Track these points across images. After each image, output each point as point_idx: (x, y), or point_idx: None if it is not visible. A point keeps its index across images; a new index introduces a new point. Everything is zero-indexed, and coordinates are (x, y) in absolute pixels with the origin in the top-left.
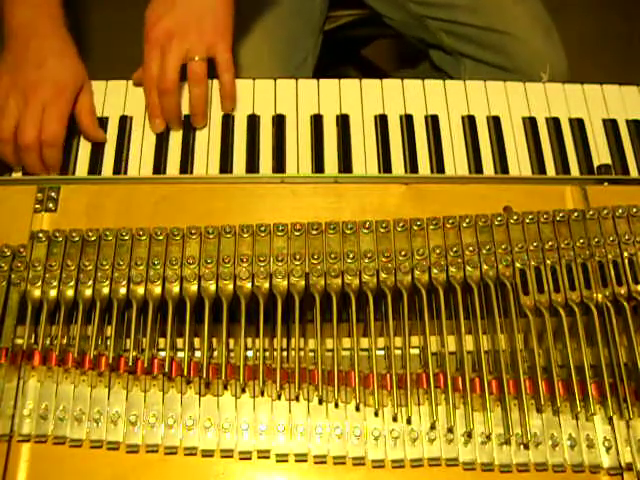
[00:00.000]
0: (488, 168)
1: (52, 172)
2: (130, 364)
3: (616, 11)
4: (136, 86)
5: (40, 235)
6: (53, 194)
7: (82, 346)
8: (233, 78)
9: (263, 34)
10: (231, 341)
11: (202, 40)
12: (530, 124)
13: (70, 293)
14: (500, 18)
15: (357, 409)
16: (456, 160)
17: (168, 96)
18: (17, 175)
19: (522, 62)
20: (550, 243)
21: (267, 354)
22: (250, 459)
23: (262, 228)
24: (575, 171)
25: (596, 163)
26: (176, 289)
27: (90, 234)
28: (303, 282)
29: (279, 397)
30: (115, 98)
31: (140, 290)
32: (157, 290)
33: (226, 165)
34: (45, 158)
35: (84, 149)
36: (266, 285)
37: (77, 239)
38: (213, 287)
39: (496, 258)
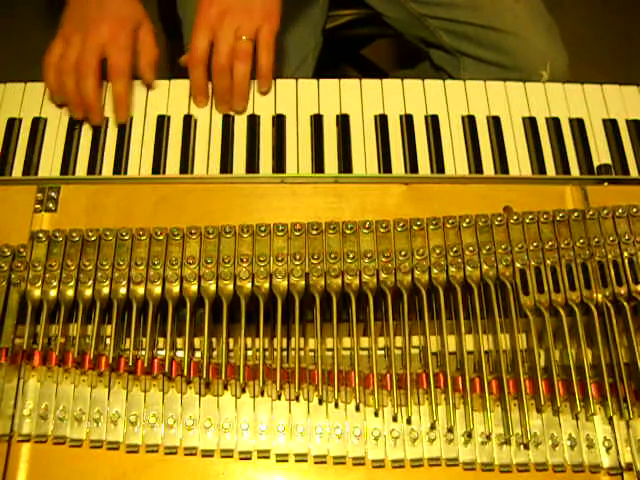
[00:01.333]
0: (488, 168)
1: (119, 111)
2: (130, 364)
3: (616, 11)
4: (181, 65)
5: (40, 235)
6: (53, 194)
7: (82, 346)
8: (271, 60)
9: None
10: (231, 341)
11: (251, 21)
12: (530, 124)
13: (70, 293)
14: (500, 16)
15: (357, 409)
16: (456, 160)
17: (221, 75)
18: (17, 175)
19: (522, 60)
20: (550, 243)
21: (267, 354)
22: (250, 459)
23: (262, 228)
24: (575, 171)
25: (596, 163)
26: (176, 289)
27: (90, 234)
28: (303, 282)
29: (279, 397)
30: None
31: (140, 290)
32: (157, 290)
33: (226, 165)
34: (114, 93)
35: (84, 149)
36: (266, 285)
37: (77, 239)
38: (213, 287)
39: (496, 258)
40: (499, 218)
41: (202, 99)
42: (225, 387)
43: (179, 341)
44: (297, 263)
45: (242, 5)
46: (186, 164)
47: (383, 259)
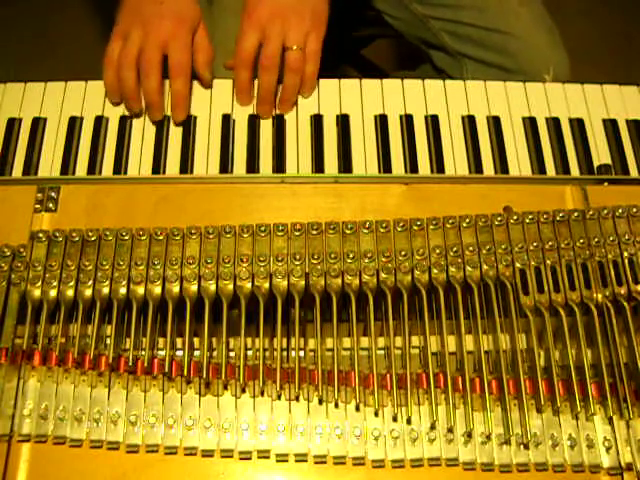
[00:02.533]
0: (488, 168)
1: (178, 110)
2: (130, 364)
3: (616, 11)
4: (226, 68)
5: (40, 235)
6: (53, 194)
7: (82, 346)
8: (317, 69)
9: None
10: (231, 341)
11: (301, 27)
12: (530, 124)
13: (70, 293)
14: (505, 19)
15: (357, 409)
16: (456, 160)
17: (268, 72)
18: (17, 175)
19: (525, 63)
20: (550, 243)
21: (267, 354)
22: (250, 459)
23: (262, 228)
24: (575, 171)
25: (596, 163)
26: (176, 289)
27: (90, 234)
28: (303, 282)
29: (279, 397)
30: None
31: (140, 290)
32: (157, 290)
33: (226, 165)
34: (173, 92)
35: (84, 149)
36: (266, 285)
37: (77, 239)
38: (213, 287)
39: (496, 258)
40: (499, 218)
41: (246, 98)
42: (225, 387)
43: (179, 341)
44: (297, 263)
45: (293, 9)
46: (186, 164)
47: (383, 259)
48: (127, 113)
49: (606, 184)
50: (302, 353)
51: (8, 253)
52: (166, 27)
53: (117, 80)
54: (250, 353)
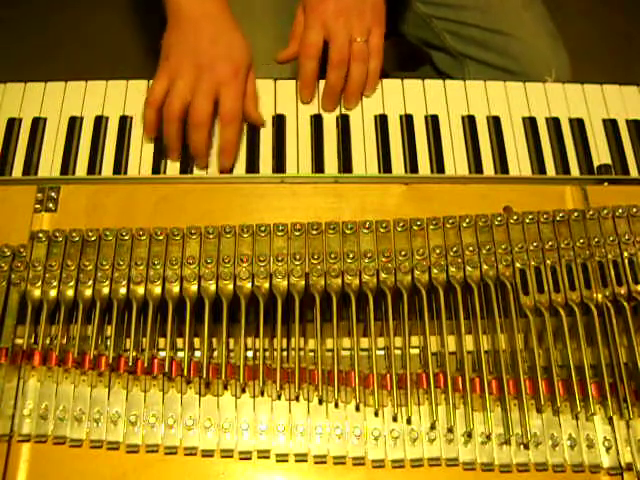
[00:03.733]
0: (488, 168)
1: (226, 158)
2: (130, 364)
3: (616, 11)
4: (279, 62)
5: (40, 235)
6: (53, 194)
7: (82, 346)
8: (380, 64)
9: (275, 35)
10: (231, 341)
11: (363, 23)
12: (530, 124)
13: (70, 293)
14: (508, 20)
15: (357, 409)
16: (456, 160)
17: (339, 68)
18: (17, 175)
19: (528, 65)
20: (550, 243)
21: (267, 354)
22: (250, 459)
23: (262, 228)
24: (575, 171)
25: (596, 163)
26: (176, 289)
27: (90, 234)
28: (303, 282)
29: (279, 397)
30: (115, 98)
31: (140, 290)
32: (157, 290)
33: None
34: (222, 140)
35: (84, 149)
36: (266, 285)
37: (77, 239)
38: (213, 287)
39: (496, 258)
40: (499, 218)
41: (309, 93)
42: (225, 387)
43: (179, 341)
44: (297, 263)
45: (355, 6)
46: (186, 164)
47: (383, 259)
48: (128, 114)
49: (606, 184)
50: (302, 353)
51: (8, 253)
52: (220, 73)
53: (157, 121)
54: (250, 353)
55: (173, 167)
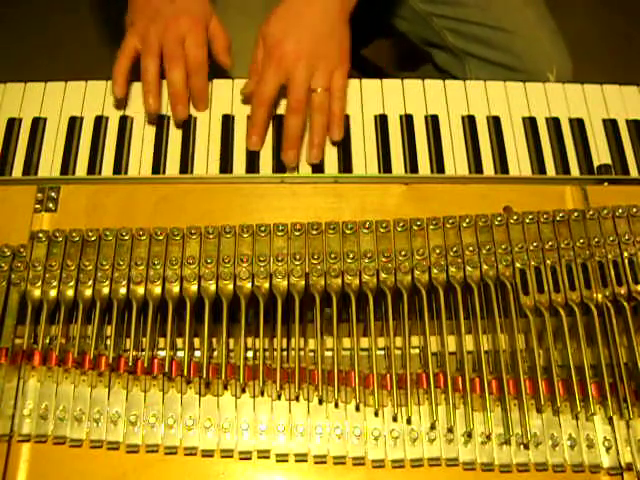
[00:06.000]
0: (488, 168)
1: (200, 104)
2: (130, 364)
3: (616, 11)
4: (243, 94)
5: (40, 235)
6: (53, 194)
7: (82, 346)
8: (344, 107)
9: None
10: (231, 341)
11: (326, 67)
12: (530, 124)
13: (70, 293)
14: (510, 18)
15: (357, 409)
16: (456, 160)
17: (297, 116)
18: (17, 175)
19: (530, 62)
20: (550, 243)
21: (267, 354)
22: (250, 459)
23: (262, 228)
24: (575, 171)
25: (596, 163)
26: (176, 289)
27: (90, 234)
28: (303, 282)
29: (279, 397)
30: (115, 98)
31: (140, 290)
32: (157, 290)
33: (226, 165)
34: (192, 88)
35: (84, 149)
36: (266, 285)
37: (77, 239)
38: (213, 287)
39: (496, 258)
40: (499, 218)
41: (258, 140)
42: (225, 387)
43: (179, 341)
44: (297, 263)
45: (318, 49)
46: (186, 164)
47: (383, 259)
48: (128, 114)
49: (606, 184)
50: (302, 353)
51: (8, 253)
52: (183, 24)
53: (128, 70)
54: (250, 353)
55: (173, 167)
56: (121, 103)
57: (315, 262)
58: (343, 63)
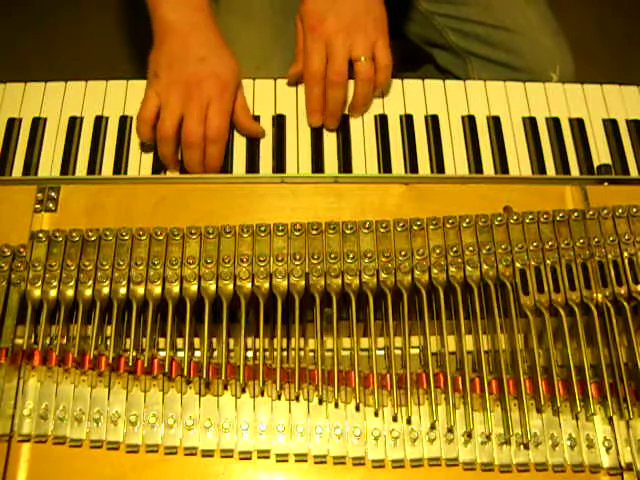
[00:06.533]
0: (488, 168)
1: (212, 168)
2: (130, 364)
3: (616, 11)
4: (290, 85)
5: (40, 235)
6: (53, 194)
7: (82, 346)
8: (388, 77)
9: (274, 34)
10: (231, 341)
11: (366, 38)
12: (530, 124)
13: (70, 293)
14: (512, 17)
15: (357, 409)
16: (456, 160)
17: (338, 88)
18: (17, 175)
19: (532, 62)
20: (550, 243)
21: (267, 354)
22: (250, 459)
23: (262, 228)
24: (575, 171)
25: (596, 163)
26: (176, 289)
27: (90, 234)
28: (303, 282)
29: (279, 397)
30: (115, 98)
31: (140, 290)
32: (157, 290)
33: (226, 165)
34: (208, 156)
35: (84, 149)
36: (266, 285)
37: (77, 239)
38: (213, 287)
39: (496, 258)
40: (499, 218)
41: (319, 117)
42: (225, 387)
43: (179, 341)
44: (297, 263)
45: (356, 21)
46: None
47: (383, 259)
48: (128, 114)
49: (606, 184)
50: (302, 353)
51: (8, 253)
52: (208, 91)
53: (153, 136)
54: (250, 353)
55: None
56: (121, 103)
57: (315, 262)
58: (382, 35)
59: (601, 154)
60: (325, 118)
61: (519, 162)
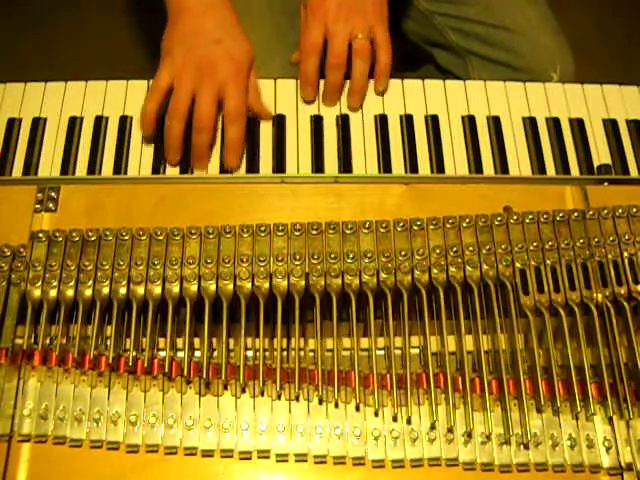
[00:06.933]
0: (488, 168)
1: (232, 156)
2: (130, 364)
3: (616, 11)
4: (293, 62)
5: (40, 235)
6: (53, 194)
7: (82, 346)
8: (390, 57)
9: (274, 34)
10: (231, 341)
11: (365, 21)
12: (530, 124)
13: (70, 293)
14: (512, 16)
15: (357, 409)
16: (456, 160)
17: (337, 70)
18: (17, 175)
19: (533, 61)
20: (550, 243)
21: (267, 354)
22: (250, 459)
23: (262, 228)
24: (575, 171)
25: (596, 163)
26: (176, 289)
27: (90, 234)
28: (303, 282)
29: (279, 397)
30: (115, 98)
31: (140, 290)
32: (157, 290)
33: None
34: (228, 138)
35: (84, 149)
36: (266, 285)
37: (77, 239)
38: (213, 287)
39: (496, 258)
40: (499, 218)
41: (311, 91)
42: (225, 387)
43: (179, 341)
44: (297, 263)
45: (357, 5)
46: (186, 164)
47: (383, 259)
48: (128, 114)
49: (606, 184)
50: (302, 353)
51: (8, 253)
52: (223, 72)
53: (157, 117)
54: (250, 353)
55: (173, 167)
56: (121, 103)
57: (315, 262)
58: (381, 19)
59: (601, 154)
60: (323, 99)
61: (519, 162)
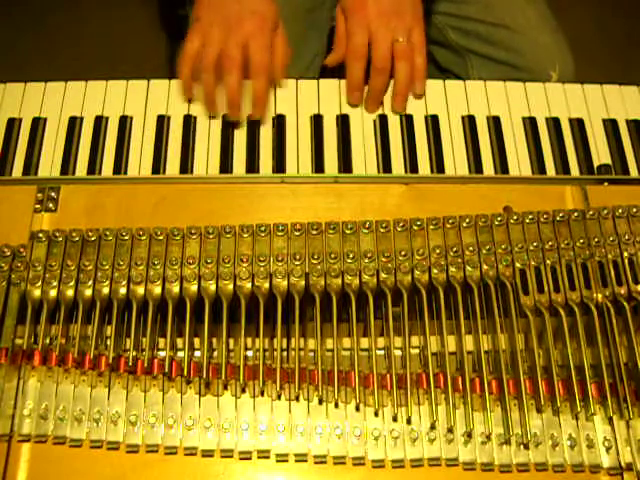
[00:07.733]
0: (488, 168)
1: (258, 108)
2: (130, 364)
3: (616, 11)
4: (328, 64)
5: (40, 235)
6: (53, 194)
7: (82, 346)
8: (425, 61)
9: (292, 41)
10: (231, 341)
11: (404, 23)
12: (530, 124)
13: (70, 293)
14: (512, 15)
15: (357, 409)
16: (456, 160)
17: (382, 74)
18: (17, 175)
19: (532, 60)
20: (550, 243)
21: (267, 354)
22: (250, 459)
23: (262, 228)
24: (575, 171)
25: (596, 163)
26: (176, 289)
27: (90, 234)
28: (303, 282)
29: (279, 397)
30: (115, 98)
31: (140, 290)
32: (157, 290)
33: (226, 165)
34: (254, 91)
35: (84, 149)
36: (266, 285)
37: (77, 239)
38: (213, 287)
39: (496, 258)
40: (499, 218)
41: (359, 95)
42: (225, 387)
43: (179, 341)
44: (297, 263)
45: (395, 8)
46: (186, 164)
47: (383, 259)
48: (128, 114)
49: (606, 184)
50: (302, 353)
51: (8, 253)
52: (248, 26)
53: (192, 78)
54: (250, 353)
55: (173, 167)
56: (121, 103)
57: (315, 262)
58: (418, 23)
59: (601, 154)
60: (367, 104)
61: (519, 162)
